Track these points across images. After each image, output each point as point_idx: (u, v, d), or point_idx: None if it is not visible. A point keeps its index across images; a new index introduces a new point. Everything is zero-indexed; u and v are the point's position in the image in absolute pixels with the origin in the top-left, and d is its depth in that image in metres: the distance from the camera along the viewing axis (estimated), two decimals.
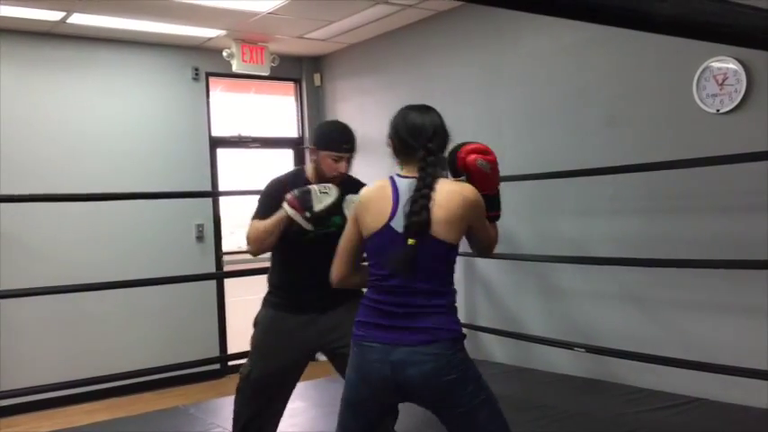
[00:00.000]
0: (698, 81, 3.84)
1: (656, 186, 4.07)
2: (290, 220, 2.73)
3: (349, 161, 2.88)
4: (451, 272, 2.13)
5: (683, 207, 3.97)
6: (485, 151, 2.26)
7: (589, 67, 4.43)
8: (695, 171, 3.72)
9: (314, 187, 2.76)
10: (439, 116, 2.22)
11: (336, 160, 2.84)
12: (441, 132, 2.17)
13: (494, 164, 2.24)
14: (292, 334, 2.87)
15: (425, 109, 2.22)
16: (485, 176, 2.17)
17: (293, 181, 2.89)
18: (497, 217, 2.24)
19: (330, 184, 2.77)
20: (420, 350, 2.00)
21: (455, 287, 2.15)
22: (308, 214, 2.70)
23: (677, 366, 3.74)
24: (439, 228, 2.03)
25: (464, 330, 2.14)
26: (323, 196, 2.72)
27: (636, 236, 4.17)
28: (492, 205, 2.20)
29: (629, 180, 4.13)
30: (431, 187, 2.04)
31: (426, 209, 2.01)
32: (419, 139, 2.14)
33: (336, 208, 2.74)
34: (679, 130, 3.97)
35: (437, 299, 2.07)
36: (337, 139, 2.86)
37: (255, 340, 2.96)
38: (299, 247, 2.85)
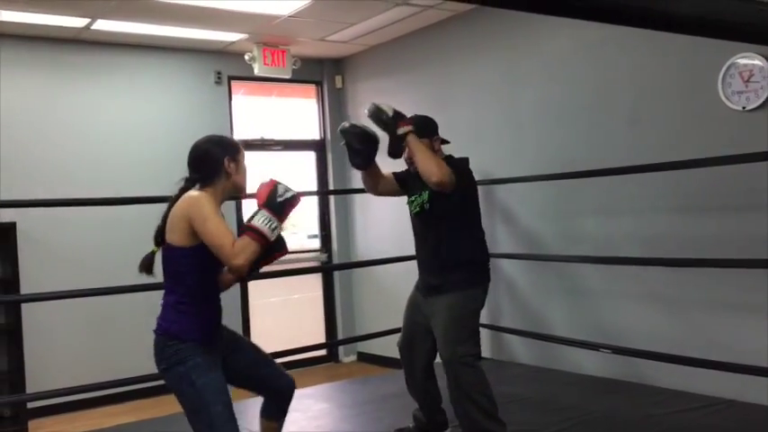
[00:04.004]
0: (723, 78, 3.79)
1: (680, 185, 4.02)
2: None
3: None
4: (183, 272, 2.41)
5: (709, 206, 3.91)
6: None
7: (611, 66, 4.39)
8: (721, 169, 3.66)
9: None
10: (197, 148, 2.51)
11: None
12: (200, 162, 2.49)
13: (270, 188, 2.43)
14: (417, 310, 3.28)
15: (196, 143, 2.54)
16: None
17: None
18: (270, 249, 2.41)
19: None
20: (154, 339, 2.45)
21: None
22: None
23: (704, 367, 3.69)
24: (169, 234, 2.41)
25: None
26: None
27: (661, 235, 4.12)
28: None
29: (653, 179, 4.08)
30: (171, 204, 2.44)
31: (162, 220, 2.45)
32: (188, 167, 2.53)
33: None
34: (704, 128, 3.92)
35: (167, 296, 2.47)
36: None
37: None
38: (412, 223, 3.31)
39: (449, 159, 3.21)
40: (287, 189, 2.39)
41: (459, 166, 3.13)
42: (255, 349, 2.69)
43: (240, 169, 2.52)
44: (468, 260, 3.17)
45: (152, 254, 2.51)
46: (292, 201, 2.37)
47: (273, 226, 2.31)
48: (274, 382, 2.66)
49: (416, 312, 3.27)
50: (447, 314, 3.06)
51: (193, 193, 2.41)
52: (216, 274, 2.50)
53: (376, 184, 3.34)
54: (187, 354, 2.38)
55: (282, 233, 2.43)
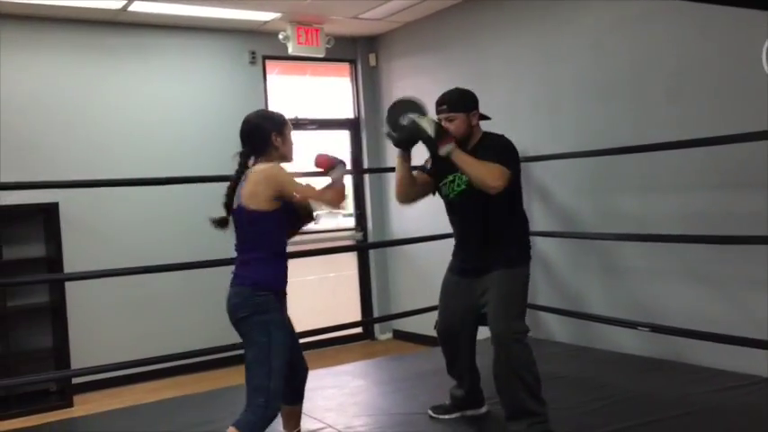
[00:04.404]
0: (767, 50, 3.68)
1: (723, 160, 3.93)
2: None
3: (451, 120, 3.12)
4: (262, 234, 2.69)
5: (750, 182, 3.82)
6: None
7: (650, 39, 4.30)
8: (763, 144, 3.58)
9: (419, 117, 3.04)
10: (248, 122, 2.79)
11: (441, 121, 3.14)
12: (249, 135, 2.78)
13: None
14: (456, 293, 3.24)
15: (247, 117, 2.82)
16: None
17: None
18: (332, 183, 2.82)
19: (430, 117, 3.07)
20: (235, 290, 2.68)
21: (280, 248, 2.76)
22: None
23: (745, 345, 3.63)
24: (245, 199, 2.65)
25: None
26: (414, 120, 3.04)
27: (701, 212, 4.05)
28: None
29: (694, 154, 4.00)
30: (237, 178, 2.74)
31: (230, 190, 2.75)
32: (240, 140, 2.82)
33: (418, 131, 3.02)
34: (748, 102, 3.81)
35: (251, 253, 2.70)
36: (437, 102, 3.19)
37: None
38: (448, 205, 3.26)
39: (488, 137, 3.16)
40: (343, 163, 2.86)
41: (509, 152, 3.07)
42: (294, 332, 2.88)
43: (287, 142, 2.78)
44: (517, 237, 3.16)
45: (224, 217, 2.79)
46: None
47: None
48: (297, 369, 2.85)
49: (455, 296, 3.24)
50: (499, 291, 3.04)
51: (266, 165, 2.68)
52: (286, 234, 2.82)
53: (409, 188, 3.27)
54: (272, 305, 2.64)
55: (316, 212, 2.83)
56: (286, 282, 2.76)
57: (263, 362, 2.57)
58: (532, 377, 3.00)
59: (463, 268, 3.23)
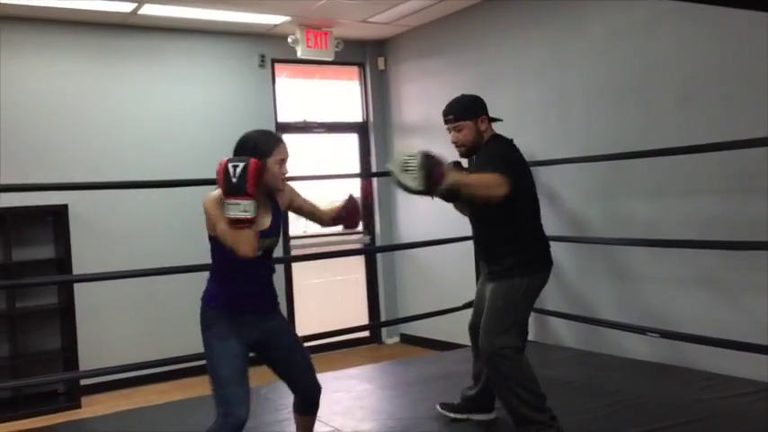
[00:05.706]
0: None
1: (733, 166, 3.91)
2: None
3: (459, 130, 3.07)
4: (212, 254, 2.69)
5: (761, 187, 3.80)
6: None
7: (661, 43, 4.29)
8: None
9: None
10: (239, 140, 2.58)
11: (449, 131, 3.11)
12: (234, 152, 2.55)
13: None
14: (482, 294, 3.21)
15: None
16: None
17: None
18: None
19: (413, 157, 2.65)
20: None
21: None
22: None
23: (754, 351, 3.61)
24: None
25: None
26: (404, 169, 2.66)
27: (711, 217, 4.03)
28: None
29: (704, 159, 3.98)
30: None
31: None
32: None
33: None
34: (758, 107, 3.79)
35: (211, 272, 2.73)
36: (443, 113, 3.14)
37: None
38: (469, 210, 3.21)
39: (496, 139, 3.10)
40: (236, 163, 2.37)
41: (500, 160, 2.93)
42: (295, 350, 2.76)
43: (268, 172, 2.52)
44: (518, 247, 3.03)
45: None
46: (246, 171, 2.35)
47: (244, 208, 2.37)
48: (300, 385, 2.79)
49: (482, 296, 3.24)
50: (489, 303, 3.02)
51: (211, 192, 2.53)
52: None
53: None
54: (212, 320, 2.61)
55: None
56: (236, 301, 2.60)
57: (212, 374, 2.57)
58: (525, 391, 2.91)
59: (483, 271, 3.28)
